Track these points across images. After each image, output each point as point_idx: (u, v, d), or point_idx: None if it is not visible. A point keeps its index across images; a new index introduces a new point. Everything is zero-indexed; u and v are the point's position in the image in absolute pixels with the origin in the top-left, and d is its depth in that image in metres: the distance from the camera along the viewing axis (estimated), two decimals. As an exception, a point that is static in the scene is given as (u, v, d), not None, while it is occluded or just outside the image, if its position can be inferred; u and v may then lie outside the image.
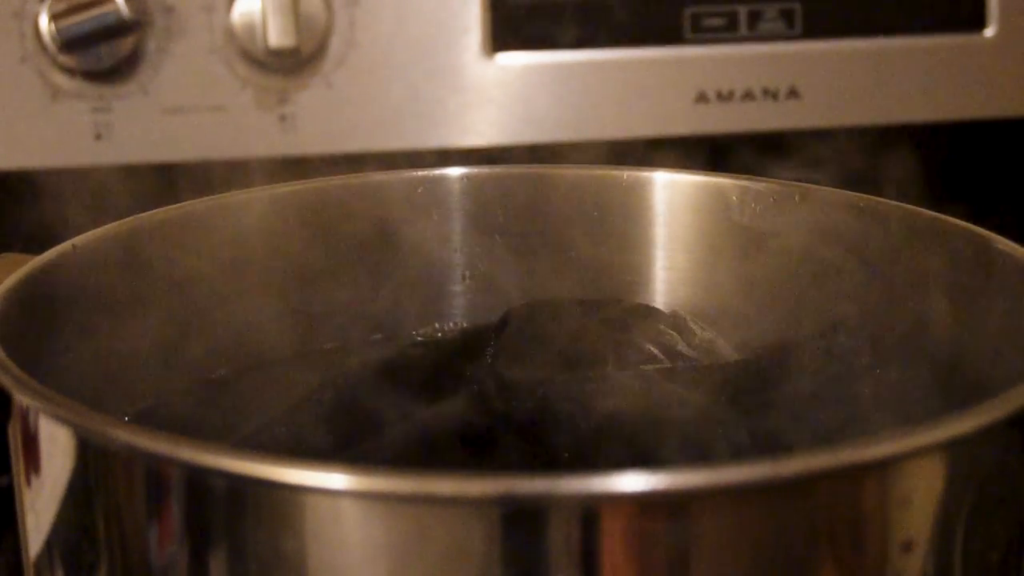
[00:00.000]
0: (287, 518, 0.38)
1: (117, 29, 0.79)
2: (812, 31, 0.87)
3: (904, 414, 0.52)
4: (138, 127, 0.82)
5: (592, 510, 0.37)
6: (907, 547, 0.40)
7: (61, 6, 0.79)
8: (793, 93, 0.87)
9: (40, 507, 0.43)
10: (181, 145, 0.83)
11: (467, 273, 0.64)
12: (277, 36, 0.80)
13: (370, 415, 0.53)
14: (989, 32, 0.89)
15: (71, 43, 0.80)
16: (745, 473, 0.38)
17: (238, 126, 0.83)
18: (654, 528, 0.37)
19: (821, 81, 0.87)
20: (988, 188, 0.93)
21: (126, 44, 0.81)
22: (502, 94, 0.85)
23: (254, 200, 0.60)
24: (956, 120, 0.90)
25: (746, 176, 0.61)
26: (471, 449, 0.49)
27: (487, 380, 0.54)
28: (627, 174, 0.63)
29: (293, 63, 0.82)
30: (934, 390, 0.54)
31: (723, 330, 0.60)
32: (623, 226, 0.63)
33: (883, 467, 0.39)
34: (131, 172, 0.83)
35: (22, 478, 0.45)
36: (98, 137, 0.82)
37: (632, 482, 0.37)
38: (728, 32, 0.87)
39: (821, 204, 0.59)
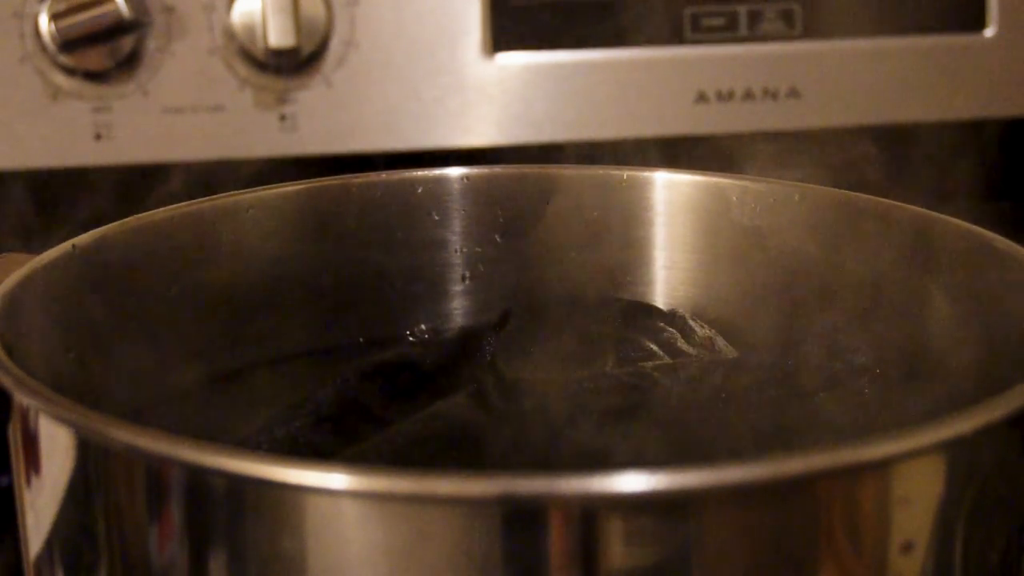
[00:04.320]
0: (287, 518, 0.38)
1: (117, 29, 0.79)
2: (812, 31, 0.87)
3: (904, 414, 0.52)
4: (138, 127, 0.82)
5: (592, 510, 0.37)
6: (907, 547, 0.40)
7: (61, 6, 0.79)
8: (793, 93, 0.87)
9: (40, 507, 0.43)
10: (181, 145, 0.83)
11: (467, 273, 0.64)
12: (277, 36, 0.80)
13: (370, 415, 0.53)
14: (989, 32, 0.89)
15: (71, 43, 0.80)
16: (745, 473, 0.38)
17: (238, 126, 0.83)
18: (654, 528, 0.37)
19: (821, 81, 0.88)
20: (989, 188, 0.93)
21: (126, 44, 0.81)
22: (502, 94, 0.85)
23: (254, 200, 0.60)
24: (956, 120, 0.90)
25: (746, 176, 0.61)
26: (471, 448, 0.49)
27: (487, 379, 0.54)
28: (627, 174, 0.63)
29: (293, 63, 0.82)
30: (934, 390, 0.54)
31: (723, 329, 0.60)
32: (623, 226, 0.63)
33: (883, 467, 0.39)
34: (131, 172, 0.83)
35: (22, 478, 0.45)
36: (98, 137, 0.82)
37: (632, 482, 0.37)
38: (728, 32, 0.87)
39: (821, 204, 0.59)
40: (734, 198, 0.61)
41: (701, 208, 0.62)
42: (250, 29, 0.81)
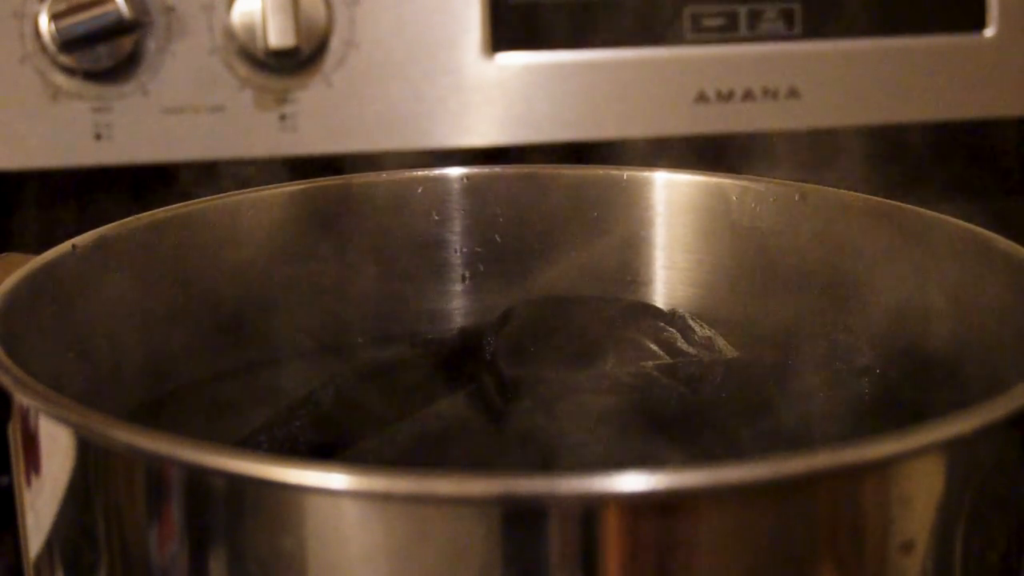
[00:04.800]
0: (287, 518, 0.38)
1: (117, 29, 0.79)
2: (812, 31, 0.87)
3: (904, 414, 0.52)
4: (138, 127, 0.82)
5: (592, 510, 0.37)
6: (907, 547, 0.40)
7: (61, 6, 0.79)
8: (793, 93, 0.87)
9: (40, 507, 0.43)
10: (181, 145, 0.83)
11: (467, 273, 0.64)
12: (277, 36, 0.80)
13: (370, 415, 0.53)
14: (989, 32, 0.89)
15: (71, 43, 0.80)
16: (745, 473, 0.38)
17: (238, 126, 0.83)
18: (654, 528, 0.37)
19: (821, 81, 0.88)
20: (989, 187, 0.93)
21: (126, 44, 0.81)
22: (502, 94, 0.85)
23: (254, 200, 0.60)
24: (956, 120, 0.90)
25: (746, 176, 0.61)
26: (471, 448, 0.49)
27: (487, 378, 0.54)
28: (627, 174, 0.63)
29: (293, 63, 0.82)
30: (934, 390, 0.54)
31: (723, 330, 0.60)
32: (623, 226, 0.63)
33: (883, 467, 0.39)
34: (131, 172, 0.83)
35: (22, 478, 0.45)
36: (98, 137, 0.82)
37: (632, 482, 0.37)
38: (728, 32, 0.87)
39: (821, 204, 0.59)
40: (734, 198, 0.61)
41: (701, 208, 0.62)
42: (250, 29, 0.81)
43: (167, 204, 0.59)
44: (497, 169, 0.64)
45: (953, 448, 0.40)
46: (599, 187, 0.63)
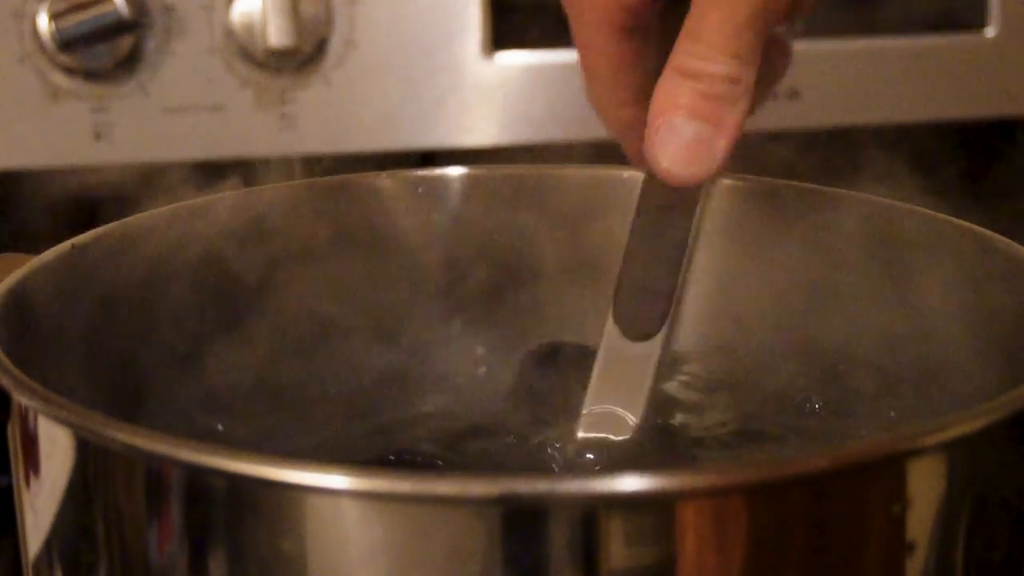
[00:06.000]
0: (287, 518, 0.38)
1: (117, 29, 0.79)
2: (812, 31, 0.87)
3: (905, 414, 0.53)
4: (138, 127, 0.82)
5: (592, 510, 0.37)
6: (908, 547, 0.40)
7: (61, 6, 0.79)
8: (793, 93, 0.87)
9: (40, 507, 0.43)
10: (181, 145, 0.83)
11: (467, 273, 0.64)
12: (277, 36, 0.80)
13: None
14: (989, 32, 0.89)
15: (71, 43, 0.80)
16: (745, 473, 0.38)
17: (238, 126, 0.83)
18: (654, 528, 0.37)
19: (821, 81, 0.87)
20: (988, 188, 0.93)
21: (126, 44, 0.81)
22: (502, 94, 0.85)
23: (252, 199, 0.60)
24: (956, 120, 0.90)
25: (743, 176, 0.61)
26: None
27: None
28: (627, 174, 0.63)
29: (293, 63, 0.82)
30: (935, 391, 0.54)
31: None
32: (623, 226, 0.63)
33: (883, 467, 0.39)
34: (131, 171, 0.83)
35: (22, 478, 0.45)
36: (98, 137, 0.82)
37: (632, 482, 0.37)
38: (728, 32, 0.87)
39: (820, 204, 0.59)
40: (734, 198, 0.61)
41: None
42: (250, 29, 0.81)
43: (166, 204, 0.59)
44: (497, 169, 0.64)
45: (954, 448, 0.40)
46: (600, 187, 0.63)
